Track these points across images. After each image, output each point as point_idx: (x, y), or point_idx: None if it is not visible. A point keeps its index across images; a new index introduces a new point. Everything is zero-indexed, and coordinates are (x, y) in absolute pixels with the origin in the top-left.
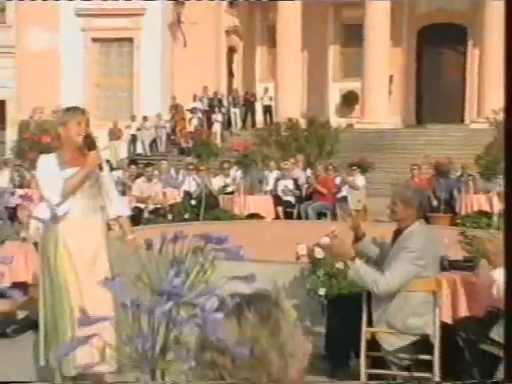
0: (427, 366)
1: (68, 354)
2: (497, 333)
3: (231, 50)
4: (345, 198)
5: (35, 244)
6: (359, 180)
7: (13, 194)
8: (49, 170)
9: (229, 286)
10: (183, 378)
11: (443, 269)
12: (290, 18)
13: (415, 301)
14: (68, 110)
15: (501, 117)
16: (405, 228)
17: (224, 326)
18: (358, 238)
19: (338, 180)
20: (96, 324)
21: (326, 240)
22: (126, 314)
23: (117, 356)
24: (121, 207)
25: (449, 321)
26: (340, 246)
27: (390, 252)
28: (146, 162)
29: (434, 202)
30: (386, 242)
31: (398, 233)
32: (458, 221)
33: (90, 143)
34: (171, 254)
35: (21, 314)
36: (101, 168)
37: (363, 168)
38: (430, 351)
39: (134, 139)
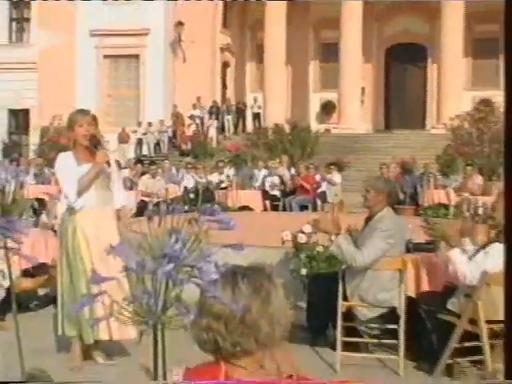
0: (394, 334)
1: (81, 309)
2: (452, 304)
3: (225, 65)
4: (324, 193)
5: (54, 231)
6: (336, 177)
7: None
8: (67, 166)
9: (224, 256)
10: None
11: (408, 250)
12: (275, 38)
13: (384, 278)
14: (73, 114)
15: (456, 123)
16: (376, 213)
17: (220, 295)
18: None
19: (317, 177)
20: (104, 282)
21: (308, 228)
22: (131, 276)
23: (123, 311)
24: (123, 199)
25: (412, 294)
26: (327, 222)
27: (363, 234)
28: (150, 161)
29: (401, 196)
30: (359, 229)
31: (369, 219)
32: (421, 211)
33: (95, 143)
34: (169, 225)
35: (42, 291)
36: (109, 164)
37: (339, 167)
38: (397, 321)
39: (139, 142)
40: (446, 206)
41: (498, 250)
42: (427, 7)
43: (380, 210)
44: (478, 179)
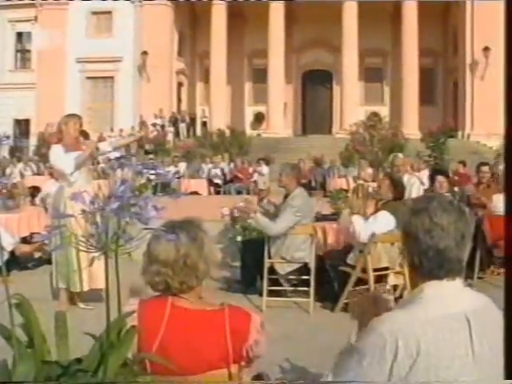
0: (306, 283)
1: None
2: (350, 259)
3: (180, 85)
4: (255, 182)
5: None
6: (264, 169)
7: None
8: (59, 154)
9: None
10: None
11: (318, 220)
12: (218, 64)
13: (299, 240)
14: (68, 115)
15: (353, 128)
16: (291, 192)
17: (164, 246)
18: (261, 199)
19: (250, 169)
20: (64, 218)
21: (241, 204)
22: (87, 216)
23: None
24: None
25: (321, 253)
26: (252, 205)
27: (281, 207)
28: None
29: (313, 184)
30: (278, 204)
31: (285, 197)
32: (328, 194)
33: (85, 135)
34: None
35: (37, 254)
36: (98, 149)
37: (267, 161)
38: (308, 273)
39: None
40: (346, 191)
41: (383, 215)
42: (331, 44)
43: (293, 190)
44: (369, 170)
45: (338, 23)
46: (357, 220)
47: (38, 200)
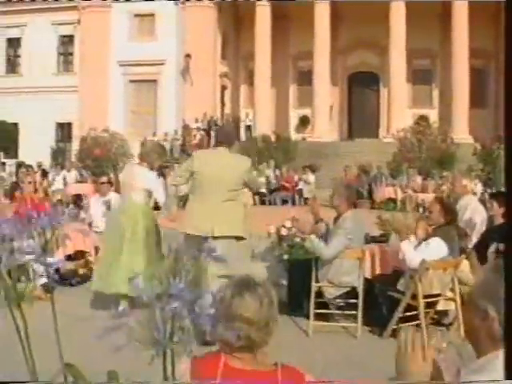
0: (354, 307)
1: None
2: (401, 285)
3: (223, 88)
4: (301, 190)
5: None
6: (310, 177)
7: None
8: (151, 177)
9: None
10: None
11: (366, 242)
12: (263, 66)
13: (347, 264)
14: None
15: (401, 134)
16: (341, 214)
17: (248, 303)
18: (316, 221)
19: (296, 177)
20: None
21: (288, 223)
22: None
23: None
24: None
25: (369, 276)
26: (303, 225)
27: (332, 230)
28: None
29: (360, 192)
30: (330, 225)
31: (336, 218)
32: (376, 206)
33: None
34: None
35: (81, 271)
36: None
37: (313, 169)
38: (356, 297)
39: None
40: (394, 201)
41: (436, 242)
42: (378, 45)
43: (344, 212)
44: (418, 179)
45: (385, 23)
46: (406, 246)
47: (82, 214)
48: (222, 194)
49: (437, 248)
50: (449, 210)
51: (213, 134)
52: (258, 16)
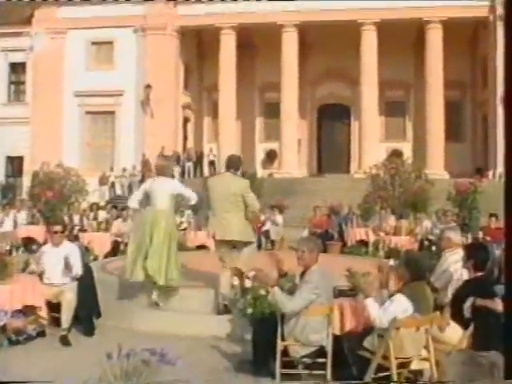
0: (323, 366)
1: None
2: (367, 342)
3: (186, 120)
4: (267, 231)
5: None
6: (278, 218)
7: None
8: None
9: None
10: None
11: (335, 296)
12: (228, 98)
13: (314, 321)
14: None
15: (374, 171)
16: (307, 268)
17: None
18: (281, 275)
19: (262, 217)
20: None
21: (252, 273)
22: None
23: None
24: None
25: (338, 333)
26: (264, 277)
27: (298, 285)
28: (122, 207)
29: (330, 234)
30: (296, 279)
31: (303, 272)
32: (346, 250)
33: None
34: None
35: (31, 328)
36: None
37: (280, 209)
38: (325, 356)
39: (113, 185)
40: (367, 244)
41: (399, 300)
42: (349, 76)
43: (311, 265)
44: (391, 220)
45: (356, 53)
46: (371, 304)
47: (33, 266)
48: (226, 207)
49: (400, 306)
50: (416, 265)
51: (176, 169)
52: (223, 45)
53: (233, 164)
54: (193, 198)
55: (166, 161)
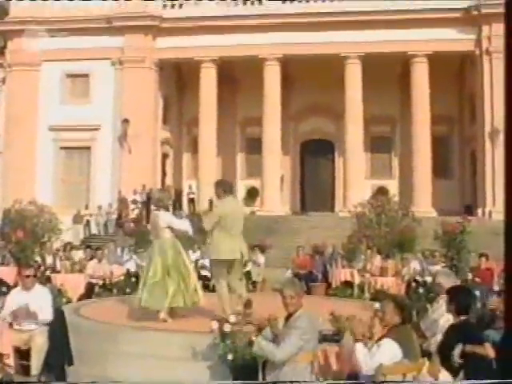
0: None
1: None
2: None
3: (164, 156)
4: (249, 272)
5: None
6: (260, 258)
7: None
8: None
9: None
10: None
11: (318, 341)
12: (208, 133)
13: (299, 368)
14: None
15: (359, 208)
16: (294, 313)
17: None
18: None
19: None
20: None
21: (233, 318)
22: None
23: None
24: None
25: (322, 380)
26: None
27: (283, 330)
28: (97, 247)
29: (315, 275)
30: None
31: (288, 317)
32: (331, 292)
33: None
34: None
35: None
36: None
37: (262, 249)
38: None
39: (88, 223)
40: (352, 285)
41: (388, 344)
42: (333, 110)
43: (297, 309)
44: (377, 260)
45: (341, 87)
46: (359, 349)
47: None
48: (240, 228)
49: (389, 351)
50: (403, 308)
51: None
52: (203, 78)
53: (229, 188)
54: (189, 230)
55: (161, 193)
